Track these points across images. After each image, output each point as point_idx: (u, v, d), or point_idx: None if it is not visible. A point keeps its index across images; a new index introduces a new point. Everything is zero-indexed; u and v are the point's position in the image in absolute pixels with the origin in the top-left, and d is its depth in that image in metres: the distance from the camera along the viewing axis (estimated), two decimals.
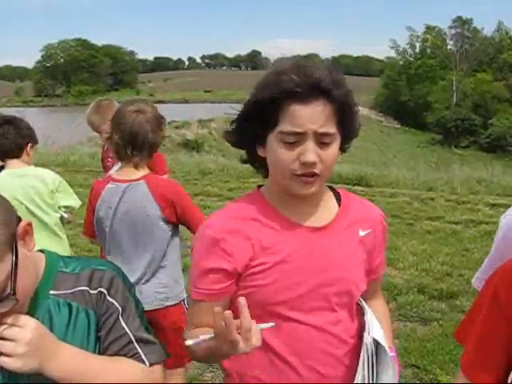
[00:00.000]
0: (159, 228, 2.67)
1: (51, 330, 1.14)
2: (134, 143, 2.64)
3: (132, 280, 2.40)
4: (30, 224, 1.13)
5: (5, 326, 1.07)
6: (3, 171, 3.40)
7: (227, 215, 1.51)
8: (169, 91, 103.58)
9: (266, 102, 1.37)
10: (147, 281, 2.69)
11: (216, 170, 12.97)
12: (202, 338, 1.25)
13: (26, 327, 1.08)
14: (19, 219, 1.12)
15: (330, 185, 1.62)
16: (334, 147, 1.41)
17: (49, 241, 3.31)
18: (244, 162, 1.59)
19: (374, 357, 1.52)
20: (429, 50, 72.68)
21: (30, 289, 1.13)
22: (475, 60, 66.70)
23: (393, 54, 78.31)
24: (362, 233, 1.56)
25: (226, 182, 11.64)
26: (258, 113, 1.40)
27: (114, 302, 1.20)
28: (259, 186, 1.58)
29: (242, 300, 1.24)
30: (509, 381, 1.25)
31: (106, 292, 1.20)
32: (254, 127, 1.43)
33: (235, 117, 1.50)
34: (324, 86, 1.35)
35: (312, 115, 1.34)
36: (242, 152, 1.56)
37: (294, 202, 1.49)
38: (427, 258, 6.43)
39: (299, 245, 1.46)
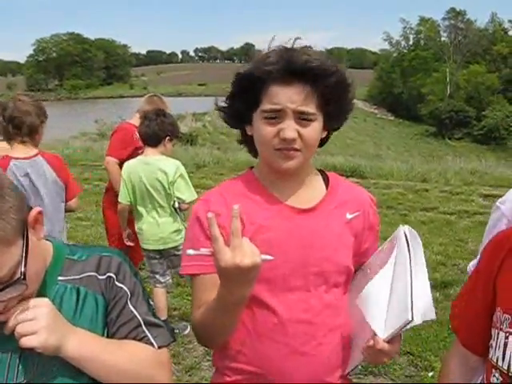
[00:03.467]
0: (63, 191, 3.45)
1: None
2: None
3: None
4: (40, 212, 1.15)
5: (18, 311, 1.10)
6: (138, 157, 4.08)
7: (220, 192, 1.57)
8: (162, 85, 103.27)
9: (250, 83, 1.45)
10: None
11: (211, 163, 12.99)
12: (202, 250, 1.28)
13: (41, 305, 1.11)
14: (30, 208, 1.15)
15: (321, 169, 1.66)
16: (315, 126, 1.45)
17: (164, 220, 4.05)
18: (239, 142, 1.65)
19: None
20: (422, 42, 72.77)
21: (39, 275, 1.15)
22: (469, 52, 66.77)
23: (386, 46, 78.47)
24: (349, 215, 1.57)
25: (221, 174, 11.67)
26: (243, 92, 1.48)
27: (122, 286, 1.23)
28: (251, 167, 1.64)
29: (235, 207, 1.27)
30: (489, 356, 1.34)
31: (114, 277, 1.23)
32: (240, 106, 1.51)
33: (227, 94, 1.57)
34: (304, 69, 1.40)
35: (291, 95, 1.40)
36: (238, 134, 1.62)
37: (283, 182, 1.54)
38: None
39: (285, 225, 1.50)
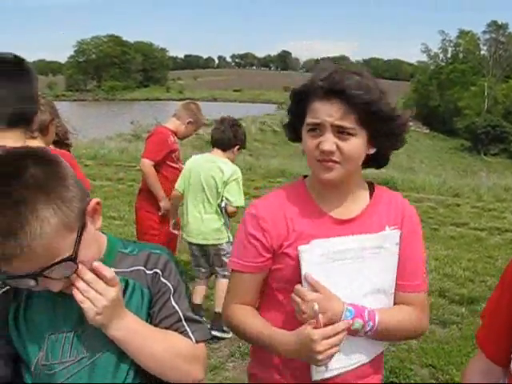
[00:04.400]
0: None
1: None
2: None
3: None
4: (99, 203, 1.25)
5: (94, 278, 1.20)
6: (205, 154, 4.52)
7: (270, 198, 1.72)
8: (198, 89, 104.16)
9: (299, 99, 1.61)
10: None
11: (243, 169, 13.01)
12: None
13: (114, 287, 1.22)
14: (89, 198, 1.24)
15: (370, 180, 1.75)
16: (355, 141, 1.55)
17: (209, 217, 4.32)
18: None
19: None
20: (461, 55, 71.80)
21: (92, 263, 1.24)
22: (508, 66, 65.67)
23: (424, 58, 77.59)
24: (388, 229, 1.64)
25: (253, 180, 11.76)
26: (295, 108, 1.64)
27: (166, 282, 1.32)
28: (305, 176, 1.76)
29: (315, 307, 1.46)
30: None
31: (160, 273, 1.32)
32: (293, 120, 1.67)
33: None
34: (343, 87, 1.51)
35: (329, 110, 1.52)
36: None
37: (328, 193, 1.66)
38: (450, 263, 6.46)
39: (324, 234, 1.60)
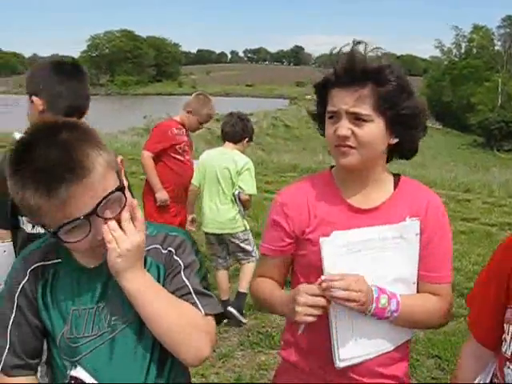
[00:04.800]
0: None
1: None
2: None
3: None
4: (122, 161, 1.37)
5: (127, 218, 1.27)
6: (218, 148, 4.81)
7: (296, 186, 1.81)
8: (211, 84, 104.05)
9: (320, 88, 1.69)
10: None
11: (255, 164, 13.05)
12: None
13: (140, 233, 1.28)
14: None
15: (397, 173, 1.78)
16: (371, 127, 1.59)
17: (225, 207, 4.54)
18: None
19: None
20: (475, 51, 71.10)
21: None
22: None
23: (437, 53, 76.93)
24: (408, 220, 1.66)
25: (264, 175, 11.80)
26: (318, 97, 1.72)
27: (178, 259, 1.38)
28: (332, 167, 1.81)
29: None
30: (502, 349, 1.45)
31: (174, 251, 1.38)
32: (319, 110, 1.74)
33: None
34: (360, 74, 1.57)
35: (344, 97, 1.58)
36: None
37: (351, 182, 1.71)
38: (459, 258, 6.48)
39: (344, 222, 1.66)
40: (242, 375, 3.74)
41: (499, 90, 60.72)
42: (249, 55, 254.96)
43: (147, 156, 4.89)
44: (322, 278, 1.54)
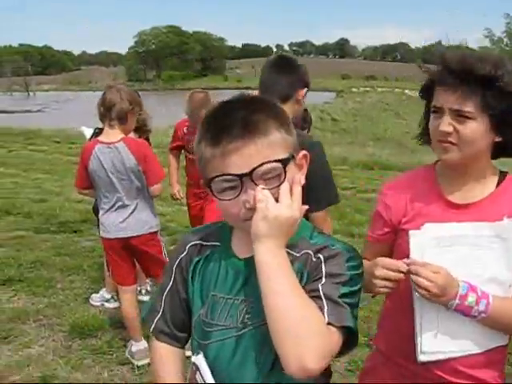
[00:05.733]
0: (137, 176, 3.57)
1: None
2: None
3: (126, 213, 3.58)
4: (306, 156, 1.31)
5: (285, 190, 1.21)
6: None
7: (399, 178, 1.91)
8: (256, 78, 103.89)
9: (425, 88, 1.73)
10: (137, 213, 3.64)
11: None
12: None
13: (293, 210, 1.20)
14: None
15: (505, 170, 1.74)
16: (473, 125, 1.58)
17: None
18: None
19: None
20: None
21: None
22: None
23: (487, 43, 74.92)
24: (506, 220, 1.61)
25: None
26: (425, 94, 1.74)
27: (323, 268, 1.25)
28: (436, 162, 1.81)
29: None
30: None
31: (323, 260, 1.26)
32: (427, 106, 1.74)
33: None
34: (463, 74, 1.56)
35: (448, 95, 1.59)
36: None
37: (451, 177, 1.70)
38: None
39: (437, 216, 1.66)
40: None
41: None
42: (294, 48, 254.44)
43: (170, 153, 5.29)
44: (406, 260, 1.56)
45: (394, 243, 1.78)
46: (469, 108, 1.57)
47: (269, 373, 1.27)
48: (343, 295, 1.21)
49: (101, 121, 3.58)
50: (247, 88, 59.66)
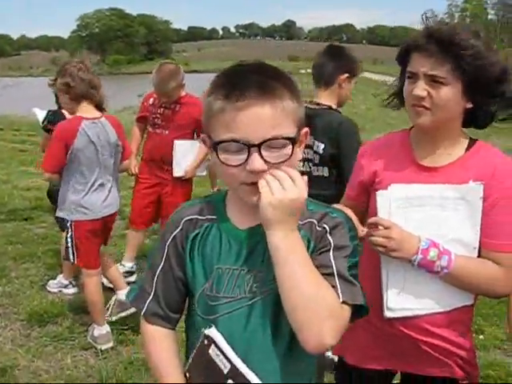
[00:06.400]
0: (116, 151, 3.62)
1: None
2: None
3: (106, 190, 3.57)
4: (307, 133, 1.30)
5: (284, 174, 1.20)
6: None
7: (376, 140, 1.98)
8: (203, 61, 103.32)
9: (402, 53, 1.76)
10: (113, 190, 3.66)
11: None
12: None
13: (298, 190, 1.19)
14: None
15: (475, 138, 1.78)
16: (446, 90, 1.63)
17: None
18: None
19: None
20: (468, 20, 70.71)
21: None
22: None
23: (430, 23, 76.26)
24: (472, 183, 1.65)
25: None
26: (401, 61, 1.78)
27: (330, 239, 1.27)
28: (412, 127, 1.85)
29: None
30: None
31: (328, 230, 1.28)
32: (402, 71, 1.80)
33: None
34: (437, 40, 1.61)
35: (423, 61, 1.64)
36: None
37: (423, 141, 1.76)
38: None
39: (407, 178, 1.73)
40: None
41: None
42: (240, 31, 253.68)
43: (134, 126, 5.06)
44: (371, 219, 1.66)
45: (367, 206, 1.85)
46: (443, 73, 1.61)
47: (285, 338, 1.28)
48: (350, 268, 1.26)
49: (82, 97, 3.47)
50: (195, 71, 59.10)
